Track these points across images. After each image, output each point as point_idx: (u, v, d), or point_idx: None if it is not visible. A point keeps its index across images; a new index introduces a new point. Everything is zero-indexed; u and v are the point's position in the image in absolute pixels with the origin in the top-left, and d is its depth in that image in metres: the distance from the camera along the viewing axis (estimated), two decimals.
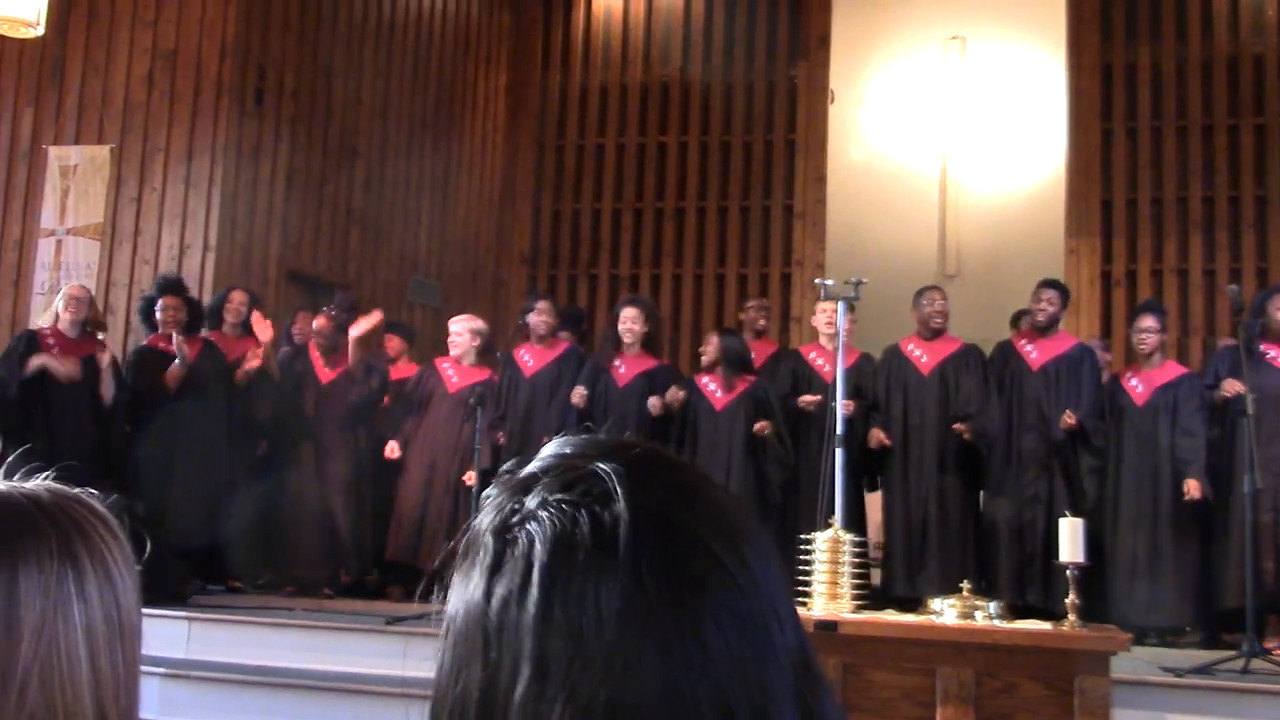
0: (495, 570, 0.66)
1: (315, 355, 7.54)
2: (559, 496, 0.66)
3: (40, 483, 0.93)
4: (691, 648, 0.63)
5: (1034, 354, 7.11)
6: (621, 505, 0.65)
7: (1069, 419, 6.70)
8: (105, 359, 6.97)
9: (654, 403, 7.02)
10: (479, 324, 7.70)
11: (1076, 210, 10.62)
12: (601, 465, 0.67)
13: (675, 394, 7.05)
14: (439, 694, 0.67)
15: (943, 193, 11.51)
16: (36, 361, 6.79)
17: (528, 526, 0.66)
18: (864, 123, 11.68)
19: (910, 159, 11.58)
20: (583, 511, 0.65)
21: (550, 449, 0.71)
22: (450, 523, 7.17)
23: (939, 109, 11.58)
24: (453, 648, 0.67)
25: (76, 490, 0.94)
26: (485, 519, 0.69)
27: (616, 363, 7.28)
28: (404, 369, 8.04)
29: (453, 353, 7.58)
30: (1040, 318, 7.11)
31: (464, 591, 0.67)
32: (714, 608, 0.64)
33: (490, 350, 7.71)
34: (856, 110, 11.64)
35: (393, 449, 7.31)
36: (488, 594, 0.66)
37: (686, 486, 0.68)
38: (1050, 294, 7.14)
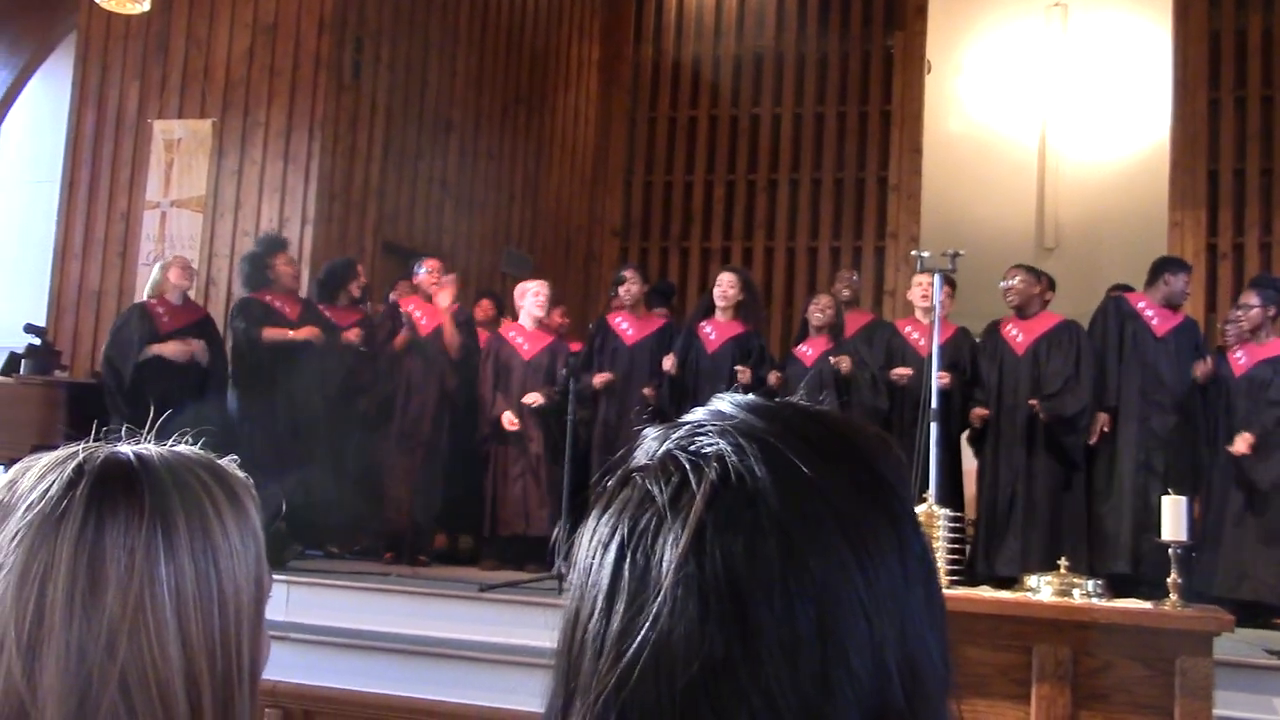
0: (602, 514, 0.68)
1: (409, 309, 7.56)
2: (673, 452, 0.67)
3: (167, 447, 0.96)
4: (736, 622, 0.62)
5: (1155, 321, 6.98)
6: (710, 470, 0.65)
7: (1204, 365, 6.70)
8: (180, 349, 7.04)
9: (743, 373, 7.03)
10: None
11: (1181, 182, 10.34)
12: (719, 424, 0.67)
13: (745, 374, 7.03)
14: (563, 620, 0.70)
15: (1041, 164, 11.27)
16: (155, 349, 6.95)
17: (635, 476, 0.68)
18: (961, 93, 11.47)
19: (1009, 130, 11.35)
20: (678, 470, 0.66)
21: (712, 403, 0.71)
22: (536, 495, 7.22)
23: (1039, 78, 11.32)
24: (571, 581, 0.70)
25: (210, 456, 0.97)
26: (631, 460, 0.71)
27: (707, 328, 7.30)
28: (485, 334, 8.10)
29: (536, 314, 7.57)
30: (1186, 298, 7.15)
31: (582, 531, 0.70)
32: (775, 590, 0.62)
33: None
34: (954, 80, 11.44)
35: (511, 420, 7.33)
36: (591, 535, 0.68)
37: (792, 463, 0.66)
38: (1188, 277, 7.15)
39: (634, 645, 0.62)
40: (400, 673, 5.67)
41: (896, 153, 11.11)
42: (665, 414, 7.08)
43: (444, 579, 6.59)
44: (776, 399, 0.71)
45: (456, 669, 5.63)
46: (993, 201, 11.01)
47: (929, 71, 11.17)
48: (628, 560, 0.65)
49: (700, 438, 0.67)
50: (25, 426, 7.25)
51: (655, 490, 0.66)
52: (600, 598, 0.65)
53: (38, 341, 7.89)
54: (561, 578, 6.14)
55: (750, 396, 0.71)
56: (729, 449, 0.65)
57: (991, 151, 11.29)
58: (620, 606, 0.64)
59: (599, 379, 7.27)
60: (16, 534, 0.88)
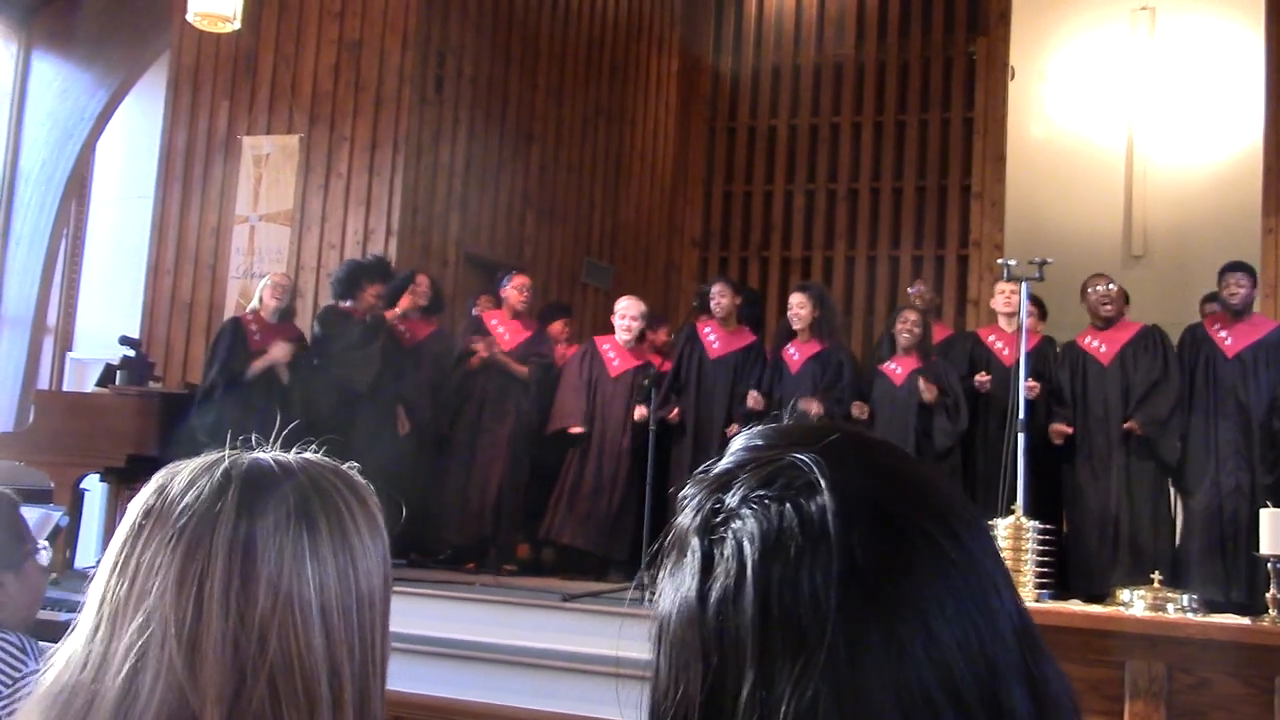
0: (706, 571, 0.65)
1: (491, 324, 7.62)
2: (760, 492, 0.65)
3: (299, 454, 1.02)
4: (915, 632, 0.61)
5: (1228, 340, 6.78)
6: (826, 495, 0.63)
7: None
8: (278, 353, 7.13)
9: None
10: (644, 307, 7.72)
11: (1274, 187, 10.08)
12: (798, 455, 0.66)
13: (809, 404, 6.96)
14: (658, 697, 0.66)
15: (1129, 170, 11.07)
16: (261, 364, 7.04)
17: (733, 525, 0.65)
18: (1046, 99, 11.30)
19: (1095, 135, 11.16)
20: (787, 505, 0.64)
21: (739, 442, 0.70)
22: (622, 505, 7.24)
23: (1125, 83, 11.12)
24: (669, 651, 0.66)
25: (336, 463, 1.03)
26: (686, 519, 0.68)
27: (791, 350, 7.25)
28: (565, 350, 8.11)
29: (623, 336, 7.58)
30: (1234, 301, 6.78)
31: (674, 594, 0.66)
32: (933, 588, 0.62)
33: (644, 336, 7.77)
34: (1038, 86, 11.27)
35: (577, 424, 7.35)
36: (702, 597, 0.64)
37: (886, 467, 0.66)
38: (1239, 277, 6.81)
39: (811, 692, 0.60)
40: (485, 681, 5.71)
41: (979, 160, 10.98)
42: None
43: (527, 588, 6.63)
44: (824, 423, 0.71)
45: (539, 678, 5.67)
46: (1078, 209, 10.83)
47: (1012, 78, 11.03)
48: (774, 609, 0.62)
49: (784, 473, 0.65)
50: (121, 436, 7.43)
51: (774, 529, 0.63)
52: (748, 657, 0.62)
53: (132, 353, 8.08)
54: (645, 588, 6.14)
55: (783, 424, 0.70)
56: (830, 474, 0.64)
57: (1077, 158, 11.12)
58: (782, 659, 0.61)
59: (672, 415, 7.23)
60: (171, 537, 0.94)
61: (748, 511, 0.65)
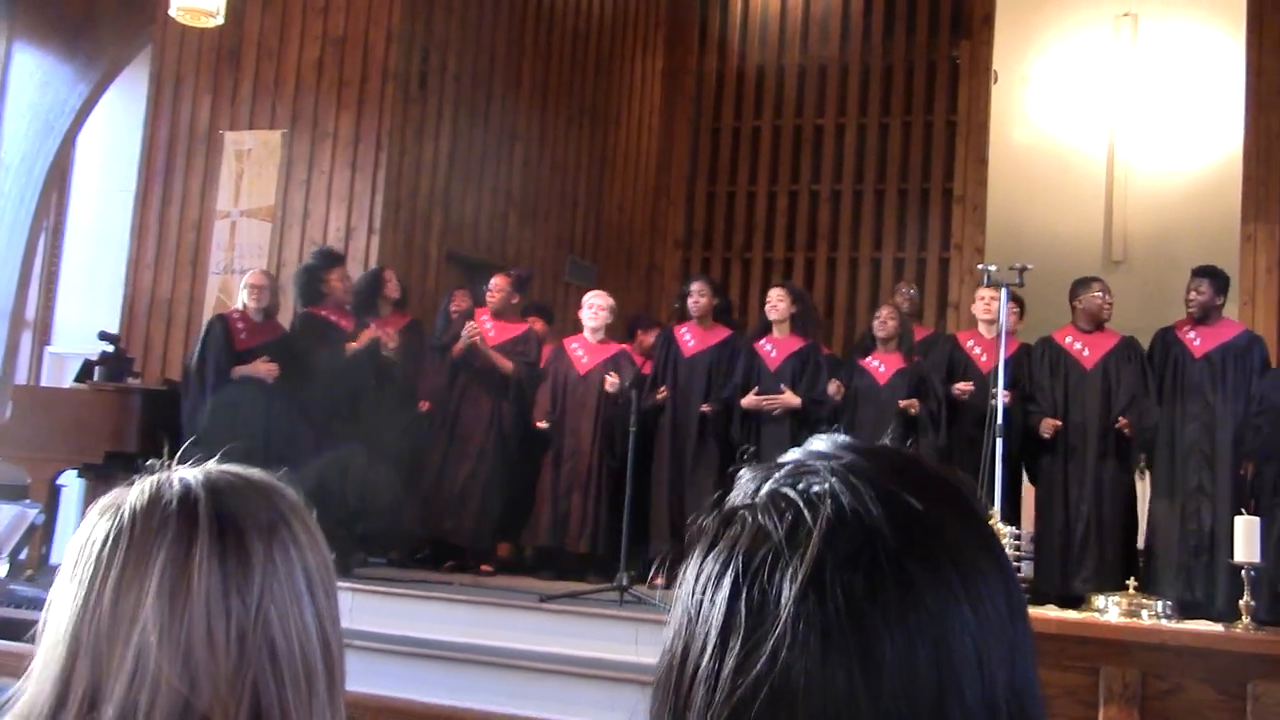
0: (708, 551, 0.69)
1: (480, 321, 7.60)
2: (782, 490, 0.68)
3: (224, 467, 1.07)
4: (858, 657, 0.62)
5: (1197, 341, 6.85)
6: (825, 507, 0.65)
7: None
8: (265, 371, 7.09)
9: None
10: (613, 301, 7.72)
11: (1254, 195, 10.13)
12: (828, 464, 0.68)
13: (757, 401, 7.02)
14: (660, 659, 0.70)
15: (1110, 176, 11.13)
16: (242, 371, 7.01)
17: (745, 515, 0.68)
18: (1028, 104, 11.36)
19: (1076, 141, 11.22)
20: (790, 507, 0.66)
21: (812, 444, 0.72)
22: (594, 508, 7.23)
23: (1108, 89, 11.19)
24: (673, 619, 0.70)
25: (252, 470, 1.09)
26: (730, 499, 0.71)
27: (767, 346, 7.25)
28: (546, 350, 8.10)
29: (591, 325, 7.56)
30: (1190, 309, 6.87)
31: (687, 569, 0.70)
32: (894, 625, 0.63)
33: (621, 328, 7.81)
34: (1021, 91, 11.33)
35: (542, 419, 7.34)
36: (698, 573, 0.68)
37: (904, 505, 0.67)
38: (1200, 283, 6.88)
39: (750, 680, 0.63)
40: (460, 682, 5.70)
41: (961, 164, 11.01)
42: (730, 438, 7.06)
43: (505, 589, 6.63)
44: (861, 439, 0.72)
45: (518, 679, 5.66)
46: (1059, 213, 10.89)
47: (995, 82, 11.07)
48: (743, 596, 0.65)
49: (808, 476, 0.68)
50: (99, 432, 7.40)
51: (770, 526, 0.66)
52: (713, 634, 0.65)
53: (111, 349, 8.04)
54: (624, 589, 6.15)
55: (847, 437, 0.72)
56: (841, 487, 0.66)
57: (1059, 163, 11.17)
58: (735, 643, 0.64)
59: (658, 395, 7.24)
60: (153, 556, 0.97)
61: (761, 505, 0.68)
